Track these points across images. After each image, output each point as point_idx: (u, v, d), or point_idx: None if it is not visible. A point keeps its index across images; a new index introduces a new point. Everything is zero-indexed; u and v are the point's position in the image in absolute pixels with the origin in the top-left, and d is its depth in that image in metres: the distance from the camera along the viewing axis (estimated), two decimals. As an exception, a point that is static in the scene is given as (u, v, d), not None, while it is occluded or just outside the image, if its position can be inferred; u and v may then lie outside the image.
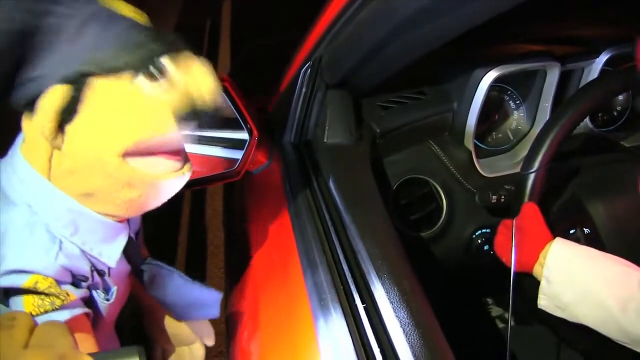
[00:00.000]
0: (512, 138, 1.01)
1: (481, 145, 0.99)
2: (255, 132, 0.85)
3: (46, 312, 0.49)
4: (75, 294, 0.52)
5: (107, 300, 0.58)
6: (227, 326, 0.87)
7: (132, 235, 0.63)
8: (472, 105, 0.90)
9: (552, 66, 0.92)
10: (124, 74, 0.48)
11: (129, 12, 0.50)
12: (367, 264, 0.63)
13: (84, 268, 0.54)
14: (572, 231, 0.88)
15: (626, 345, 0.67)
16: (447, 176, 0.96)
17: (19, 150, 0.53)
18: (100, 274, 0.58)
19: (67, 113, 0.48)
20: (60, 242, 0.52)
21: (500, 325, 1.18)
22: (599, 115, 1.04)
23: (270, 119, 1.01)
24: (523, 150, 0.98)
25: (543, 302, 0.73)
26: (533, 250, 0.75)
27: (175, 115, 0.51)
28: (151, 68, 0.49)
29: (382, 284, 0.60)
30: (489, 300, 1.23)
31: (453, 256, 1.00)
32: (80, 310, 0.52)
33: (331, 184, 0.78)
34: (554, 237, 0.75)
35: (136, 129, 0.50)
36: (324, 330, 0.59)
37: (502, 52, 0.98)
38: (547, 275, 0.72)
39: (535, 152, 0.79)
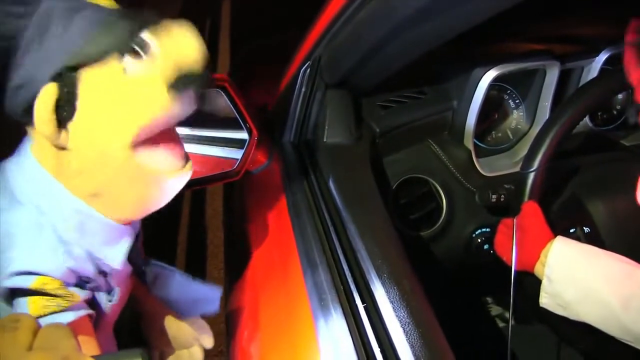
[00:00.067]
0: (511, 137, 1.01)
1: (481, 145, 0.99)
2: (254, 132, 0.85)
3: (52, 313, 0.49)
4: (80, 295, 0.52)
5: (110, 301, 0.58)
6: (227, 326, 0.87)
7: (134, 237, 0.63)
8: (471, 105, 0.90)
9: (551, 65, 0.92)
10: (109, 59, 0.48)
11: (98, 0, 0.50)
12: (367, 263, 0.63)
13: (89, 270, 0.54)
14: (572, 230, 0.88)
15: (628, 342, 0.67)
16: (446, 175, 0.96)
17: (29, 149, 0.53)
18: (104, 274, 0.58)
19: (66, 110, 0.48)
20: (68, 243, 0.52)
21: (501, 324, 1.18)
22: (599, 114, 1.04)
23: (270, 118, 1.01)
24: (523, 150, 0.98)
25: (545, 301, 0.74)
26: (534, 248, 0.75)
27: (169, 87, 0.50)
28: (133, 45, 0.49)
29: (382, 283, 0.60)
30: (489, 300, 1.23)
31: (453, 255, 1.00)
32: (84, 312, 0.52)
33: (331, 184, 0.78)
34: (555, 236, 0.75)
35: (135, 113, 0.50)
36: (324, 330, 0.59)
37: (501, 51, 0.98)
38: (548, 274, 0.72)
39: (535, 151, 0.79)
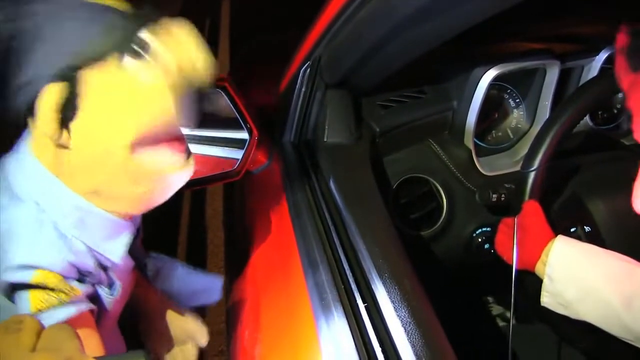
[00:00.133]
0: (512, 136, 1.01)
1: (481, 144, 0.99)
2: (255, 132, 0.85)
3: (53, 307, 0.49)
4: (81, 289, 0.52)
5: (111, 295, 0.58)
6: (227, 325, 0.87)
7: (135, 231, 0.63)
8: (471, 104, 0.90)
9: (551, 64, 0.92)
10: (109, 59, 0.48)
11: None
12: (367, 263, 0.63)
13: (89, 264, 0.54)
14: (573, 229, 0.88)
15: (629, 342, 0.67)
16: (447, 175, 0.96)
17: (28, 147, 0.53)
18: (104, 268, 0.58)
19: (68, 110, 0.48)
20: (68, 238, 0.52)
21: (502, 323, 1.18)
22: (599, 113, 1.04)
23: (270, 118, 1.01)
24: (523, 149, 0.98)
25: (545, 300, 0.74)
26: (535, 248, 0.75)
27: (170, 88, 0.50)
28: (133, 46, 0.49)
29: (383, 283, 0.60)
30: (490, 299, 1.22)
31: (453, 255, 1.00)
32: (85, 307, 0.52)
33: (331, 184, 0.78)
34: (556, 235, 0.75)
35: (137, 113, 0.50)
36: (325, 329, 0.59)
37: (501, 50, 0.98)
38: (549, 273, 0.72)
39: (535, 150, 0.79)
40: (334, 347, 0.57)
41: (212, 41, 3.31)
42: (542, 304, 0.74)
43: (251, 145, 0.85)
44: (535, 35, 1.03)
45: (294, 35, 0.90)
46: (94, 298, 0.56)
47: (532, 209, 0.78)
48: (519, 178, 0.81)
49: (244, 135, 0.85)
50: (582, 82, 0.98)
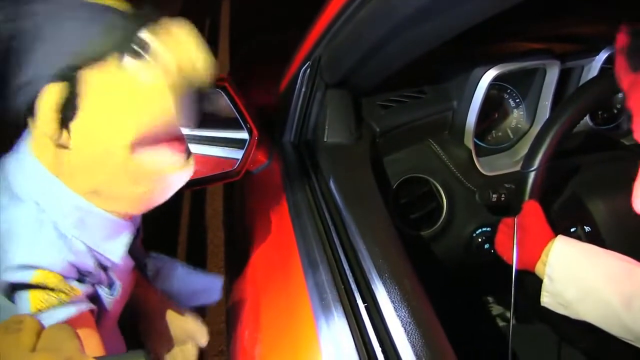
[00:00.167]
0: (512, 136, 1.01)
1: (481, 144, 0.99)
2: (255, 132, 0.85)
3: (53, 307, 0.49)
4: (81, 289, 0.52)
5: (111, 295, 0.58)
6: (227, 325, 0.87)
7: (135, 231, 0.63)
8: (471, 104, 0.90)
9: (551, 64, 0.92)
10: (109, 59, 0.48)
11: None
12: (367, 263, 0.63)
13: (89, 264, 0.54)
14: (573, 229, 0.88)
15: (629, 342, 0.67)
16: (447, 175, 0.96)
17: (28, 147, 0.53)
18: (104, 268, 0.58)
19: (68, 110, 0.48)
20: (68, 238, 0.52)
21: (502, 323, 1.18)
22: (599, 113, 1.04)
23: (270, 118, 1.01)
24: (523, 149, 0.98)
25: (546, 300, 0.74)
26: (535, 248, 0.75)
27: (170, 88, 0.50)
28: (133, 46, 0.49)
29: (383, 283, 0.60)
30: (490, 299, 1.22)
31: (453, 255, 1.00)
32: (85, 307, 0.52)
33: (331, 184, 0.78)
34: (556, 235, 0.75)
35: (137, 113, 0.50)
36: (325, 329, 0.59)
37: (501, 50, 0.98)
38: (549, 273, 0.72)
39: (535, 150, 0.79)
40: (334, 347, 0.57)
41: (212, 41, 3.31)
42: (542, 304, 0.74)
43: (251, 145, 0.85)
44: (535, 35, 1.03)
45: (294, 35, 0.90)
46: (94, 298, 0.56)
47: (532, 209, 0.78)
48: (519, 178, 0.81)
49: (244, 135, 0.85)
50: (582, 82, 0.98)
